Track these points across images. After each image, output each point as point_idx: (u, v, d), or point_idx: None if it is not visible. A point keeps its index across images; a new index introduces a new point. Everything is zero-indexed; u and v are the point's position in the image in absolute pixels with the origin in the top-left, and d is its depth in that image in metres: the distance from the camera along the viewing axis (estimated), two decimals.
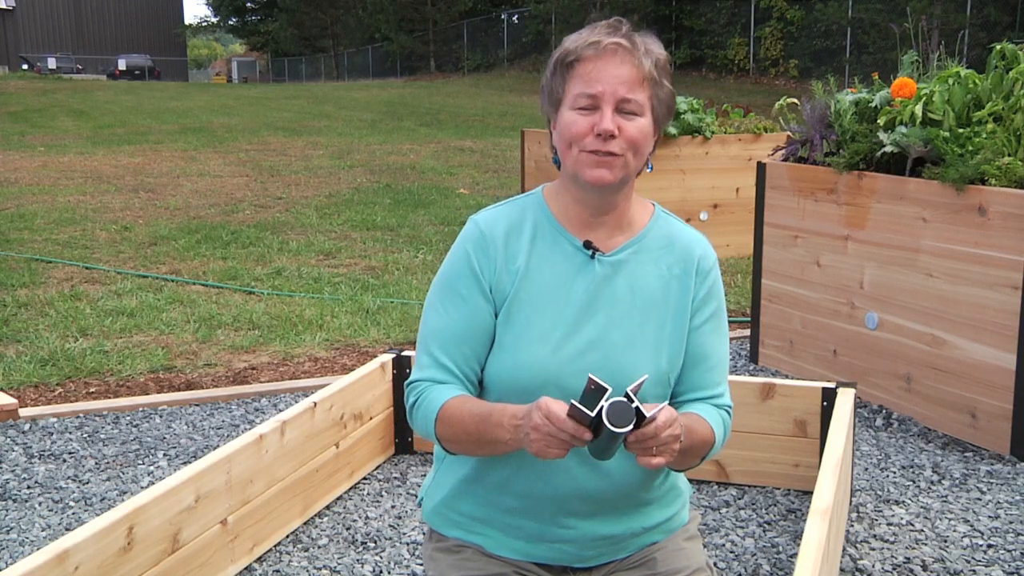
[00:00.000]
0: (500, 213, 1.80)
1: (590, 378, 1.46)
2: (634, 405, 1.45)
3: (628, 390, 1.47)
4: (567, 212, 1.78)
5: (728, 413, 1.81)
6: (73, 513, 3.10)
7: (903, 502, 3.17)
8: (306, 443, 3.03)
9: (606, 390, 1.45)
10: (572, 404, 1.46)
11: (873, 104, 4.00)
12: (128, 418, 3.91)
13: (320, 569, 2.76)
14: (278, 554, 2.86)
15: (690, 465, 1.76)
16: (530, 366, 1.71)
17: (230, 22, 65.23)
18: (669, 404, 1.72)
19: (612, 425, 1.43)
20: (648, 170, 1.77)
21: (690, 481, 1.98)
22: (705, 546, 2.32)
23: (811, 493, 3.12)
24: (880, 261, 3.92)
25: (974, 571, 2.74)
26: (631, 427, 1.44)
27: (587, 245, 1.75)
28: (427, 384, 1.75)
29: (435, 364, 1.75)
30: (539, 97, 1.79)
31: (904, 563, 2.77)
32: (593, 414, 1.44)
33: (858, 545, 2.89)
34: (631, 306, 1.75)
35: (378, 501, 3.20)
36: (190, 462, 3.34)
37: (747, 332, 4.97)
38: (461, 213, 8.78)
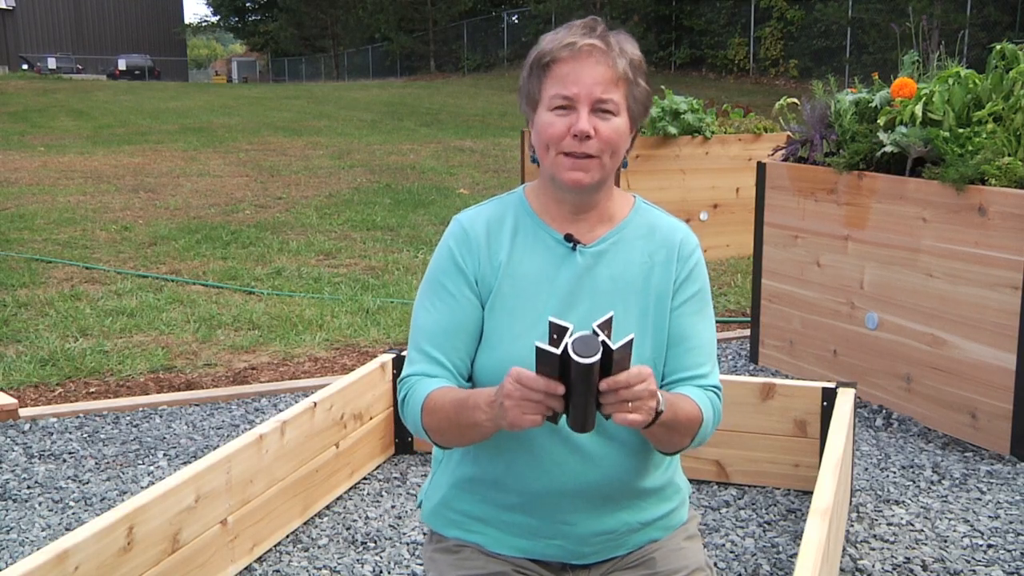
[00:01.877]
0: (481, 211, 1.83)
1: (550, 321, 1.45)
2: (600, 338, 1.43)
3: (594, 325, 1.45)
4: (548, 209, 1.80)
5: (716, 394, 1.79)
6: (73, 513, 3.10)
7: (903, 502, 3.17)
8: (306, 443, 3.03)
9: (567, 328, 1.44)
10: (537, 345, 1.43)
11: (873, 104, 4.00)
12: (128, 418, 3.91)
13: (320, 569, 2.77)
14: (278, 554, 2.86)
15: (681, 446, 1.73)
16: (515, 359, 1.70)
17: (230, 22, 65.21)
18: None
19: (578, 356, 1.40)
20: (623, 168, 1.79)
21: (690, 481, 1.98)
22: (705, 546, 2.32)
23: (811, 493, 3.12)
24: (880, 261, 3.92)
25: (974, 571, 2.74)
26: (598, 356, 1.41)
27: (568, 238, 1.78)
28: (417, 378, 1.75)
29: (425, 358, 1.76)
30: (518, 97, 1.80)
31: (904, 563, 2.77)
32: (559, 351, 1.42)
33: (858, 545, 2.89)
34: (613, 295, 1.76)
35: (378, 501, 3.20)
36: (190, 462, 3.34)
37: (747, 332, 4.97)
38: None
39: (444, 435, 1.71)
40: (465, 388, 1.77)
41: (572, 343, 1.42)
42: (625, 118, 1.71)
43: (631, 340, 1.46)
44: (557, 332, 1.44)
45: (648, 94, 1.76)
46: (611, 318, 1.49)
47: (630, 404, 1.48)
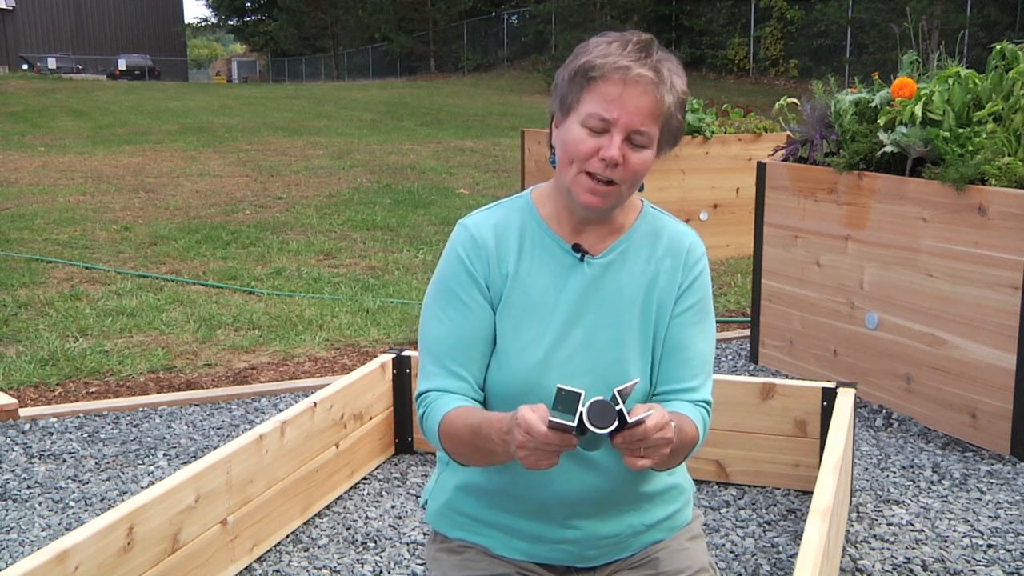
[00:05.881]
0: (488, 216, 1.79)
1: (559, 388, 1.44)
2: (618, 408, 1.43)
3: (616, 391, 1.45)
4: (557, 216, 1.77)
5: (707, 410, 1.78)
6: (73, 513, 3.10)
7: (903, 502, 3.17)
8: (306, 443, 3.03)
9: (579, 394, 1.43)
10: (550, 420, 1.43)
11: (873, 104, 4.00)
12: (128, 418, 3.91)
13: (320, 569, 2.77)
14: (278, 554, 2.86)
15: (671, 465, 1.73)
16: (522, 373, 1.70)
17: (230, 22, 65.18)
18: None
19: (595, 427, 1.41)
20: (640, 191, 1.76)
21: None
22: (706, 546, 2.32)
23: (811, 493, 3.12)
24: (880, 261, 3.92)
25: (974, 571, 2.74)
26: (614, 427, 1.42)
27: (576, 248, 1.75)
28: (435, 395, 1.72)
29: (444, 372, 1.72)
30: (548, 96, 1.75)
31: (904, 563, 2.77)
32: (575, 424, 1.42)
33: (858, 545, 2.89)
34: (619, 306, 1.74)
35: (378, 501, 3.20)
36: (190, 462, 3.34)
37: (747, 332, 4.97)
38: (461, 213, 8.76)
39: (466, 459, 1.70)
40: (480, 402, 1.75)
41: (588, 412, 1.42)
42: (654, 150, 1.67)
43: (656, 410, 1.46)
44: (566, 394, 1.43)
45: (681, 126, 1.72)
46: (636, 384, 1.48)
47: (642, 450, 1.47)
